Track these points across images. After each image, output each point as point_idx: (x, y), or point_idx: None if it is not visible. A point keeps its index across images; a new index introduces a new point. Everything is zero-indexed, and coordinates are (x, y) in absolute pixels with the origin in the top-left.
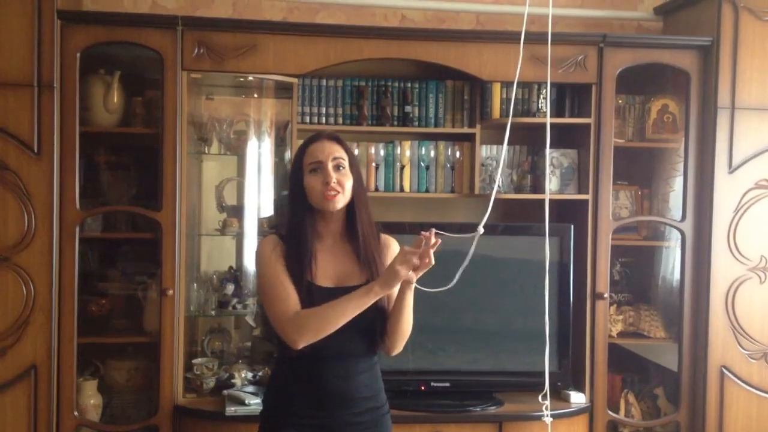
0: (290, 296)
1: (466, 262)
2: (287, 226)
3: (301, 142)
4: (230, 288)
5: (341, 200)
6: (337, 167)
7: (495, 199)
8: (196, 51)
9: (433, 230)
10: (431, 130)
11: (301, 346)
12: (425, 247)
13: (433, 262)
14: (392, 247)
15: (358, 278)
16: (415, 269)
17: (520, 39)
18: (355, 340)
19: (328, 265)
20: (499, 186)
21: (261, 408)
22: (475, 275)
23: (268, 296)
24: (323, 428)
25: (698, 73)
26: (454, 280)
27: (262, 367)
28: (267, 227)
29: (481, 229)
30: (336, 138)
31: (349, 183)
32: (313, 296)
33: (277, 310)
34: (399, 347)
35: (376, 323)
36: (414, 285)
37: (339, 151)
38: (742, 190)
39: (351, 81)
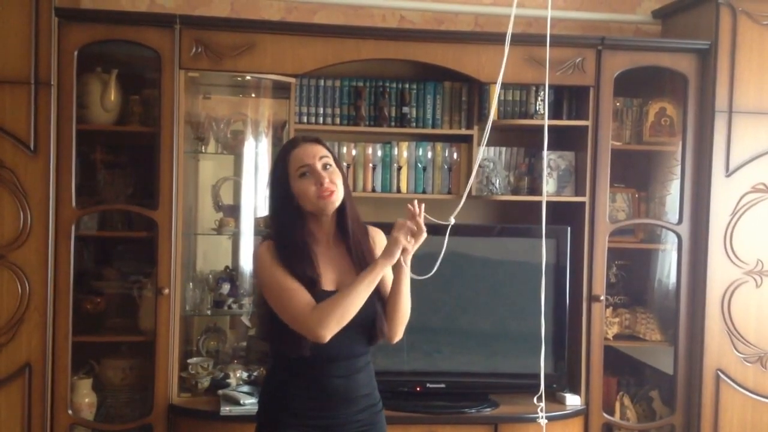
0: (303, 294)
1: (443, 252)
2: (279, 236)
3: None
4: (226, 288)
5: (337, 198)
6: (325, 166)
7: (492, 201)
8: (193, 50)
9: (416, 201)
10: (429, 131)
11: (327, 338)
12: (415, 219)
13: (425, 232)
14: (378, 238)
15: (354, 278)
16: (413, 235)
17: (518, 41)
18: (354, 339)
19: (328, 269)
20: (495, 186)
21: (257, 409)
22: (472, 277)
23: (281, 300)
24: (323, 428)
25: (696, 77)
26: (435, 268)
27: (258, 367)
28: (263, 227)
29: (452, 220)
30: (317, 139)
31: (340, 180)
32: (314, 287)
33: (294, 310)
34: (400, 333)
35: (376, 316)
36: (408, 271)
37: (323, 151)
38: (738, 193)
39: (349, 81)
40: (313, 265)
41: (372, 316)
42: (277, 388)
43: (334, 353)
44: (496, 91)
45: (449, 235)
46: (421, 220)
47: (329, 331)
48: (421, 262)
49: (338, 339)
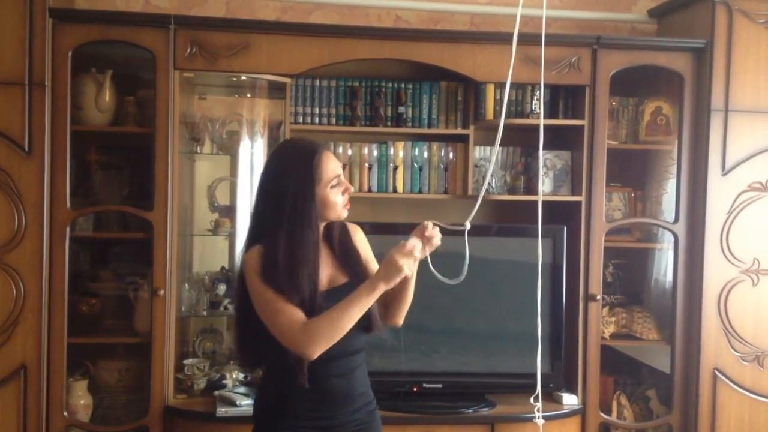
0: (293, 310)
1: (467, 257)
2: (297, 241)
3: None
4: (222, 288)
5: None
6: None
7: (489, 201)
8: (188, 50)
9: (431, 223)
10: (425, 131)
11: (315, 356)
12: (423, 238)
13: (438, 241)
14: (357, 235)
15: (342, 277)
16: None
17: (513, 40)
18: (352, 336)
19: (321, 271)
20: (492, 186)
21: (253, 411)
22: (468, 276)
23: (271, 312)
24: (322, 429)
25: (692, 76)
26: (463, 274)
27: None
28: (265, 229)
29: (467, 224)
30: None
31: None
32: (315, 300)
33: (283, 325)
34: (402, 320)
35: (371, 314)
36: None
37: None
38: (735, 192)
39: (344, 81)
40: (318, 273)
41: (367, 313)
42: (274, 389)
43: (333, 352)
44: (505, 94)
45: (447, 235)
46: (429, 250)
47: (318, 350)
48: (423, 260)
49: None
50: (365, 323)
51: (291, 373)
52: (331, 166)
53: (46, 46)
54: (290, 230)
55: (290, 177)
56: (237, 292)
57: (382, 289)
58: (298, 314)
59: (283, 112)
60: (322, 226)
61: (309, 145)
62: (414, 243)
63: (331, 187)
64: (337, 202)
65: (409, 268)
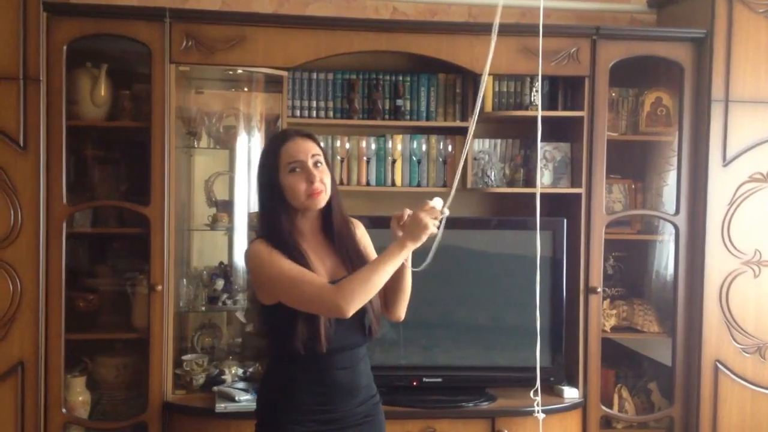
0: (314, 276)
1: (437, 241)
2: (269, 230)
3: None
4: (220, 283)
5: (325, 198)
6: (316, 164)
7: (488, 194)
8: (184, 44)
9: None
10: (423, 123)
11: (351, 313)
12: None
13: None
14: (360, 230)
15: (342, 270)
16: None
17: (512, 31)
18: (352, 330)
19: (318, 262)
20: (491, 179)
21: (256, 406)
22: (468, 270)
23: (294, 287)
24: (326, 422)
25: (692, 66)
26: (428, 259)
27: (253, 363)
28: (257, 222)
29: (446, 211)
30: (310, 135)
31: (328, 179)
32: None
33: (313, 293)
34: (403, 313)
35: (366, 309)
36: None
37: (316, 149)
38: (736, 183)
39: (342, 74)
40: (306, 259)
41: (367, 320)
42: (279, 383)
43: (339, 345)
44: (482, 82)
45: (445, 228)
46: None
47: (354, 306)
48: (419, 254)
49: (341, 331)
50: (365, 330)
51: (304, 351)
52: (291, 150)
53: (41, 40)
54: (268, 217)
55: (262, 163)
56: (250, 285)
57: (410, 247)
58: (322, 279)
59: (280, 105)
60: (308, 215)
61: (284, 132)
62: (436, 201)
63: (290, 171)
64: (296, 189)
65: (434, 225)
